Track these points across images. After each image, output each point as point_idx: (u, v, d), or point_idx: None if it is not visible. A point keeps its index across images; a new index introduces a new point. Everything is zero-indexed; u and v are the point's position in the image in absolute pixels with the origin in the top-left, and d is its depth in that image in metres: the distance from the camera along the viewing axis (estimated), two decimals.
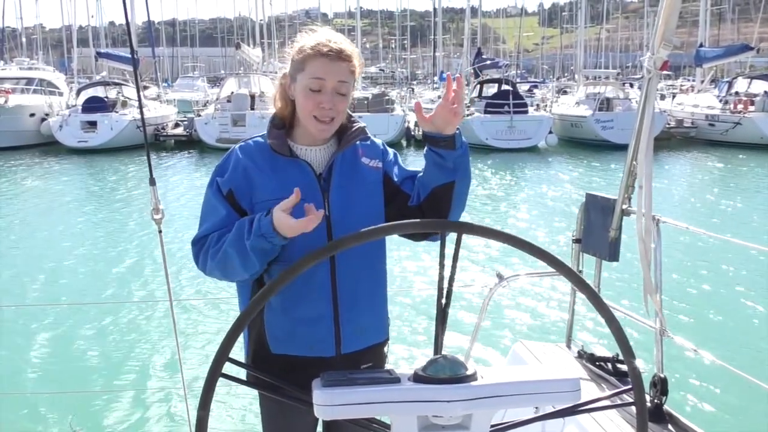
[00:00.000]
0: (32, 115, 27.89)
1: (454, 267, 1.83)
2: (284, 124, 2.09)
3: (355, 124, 2.13)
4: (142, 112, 2.92)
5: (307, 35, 2.04)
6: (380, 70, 66.35)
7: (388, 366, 2.28)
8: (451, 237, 1.86)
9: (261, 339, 2.08)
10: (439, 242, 1.83)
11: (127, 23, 3.01)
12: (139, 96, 2.85)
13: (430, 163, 2.02)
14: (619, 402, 2.02)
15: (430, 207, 2.06)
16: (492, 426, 1.78)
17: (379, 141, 2.22)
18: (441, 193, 2.03)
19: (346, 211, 2.03)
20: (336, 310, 2.05)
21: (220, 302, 8.23)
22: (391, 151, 2.21)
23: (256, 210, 1.99)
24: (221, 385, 1.75)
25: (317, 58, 1.97)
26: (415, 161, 24.70)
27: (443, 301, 1.82)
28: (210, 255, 1.99)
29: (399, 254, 9.61)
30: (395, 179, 2.14)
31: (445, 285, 1.82)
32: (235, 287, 2.19)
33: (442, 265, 1.83)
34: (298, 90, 2.01)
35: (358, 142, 2.12)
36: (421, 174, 2.09)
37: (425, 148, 2.02)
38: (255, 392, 2.14)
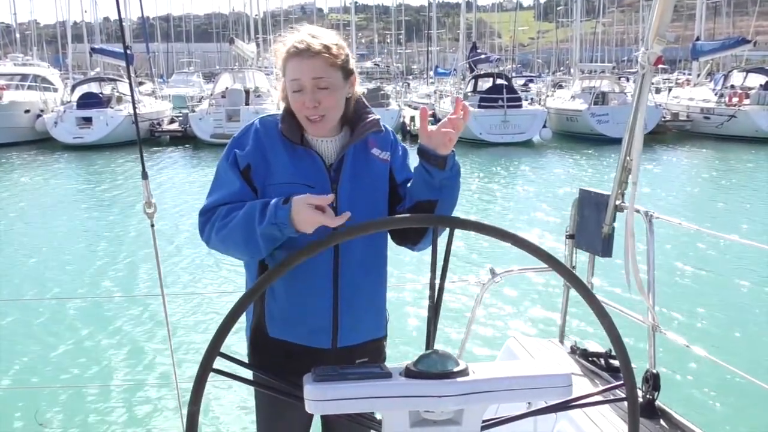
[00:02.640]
0: (27, 111, 27.74)
1: (446, 262, 1.83)
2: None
3: (369, 116, 2.13)
4: (134, 106, 2.92)
5: (282, 41, 2.05)
6: (375, 64, 66.16)
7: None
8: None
9: (260, 321, 2.10)
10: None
11: (120, 18, 3.00)
12: (131, 90, 2.83)
13: (418, 177, 2.02)
14: (611, 397, 2.03)
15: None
16: (484, 421, 1.78)
17: (391, 129, 2.22)
18: (423, 208, 2.04)
19: (353, 204, 2.02)
20: (336, 300, 2.06)
21: (212, 296, 8.24)
22: (401, 145, 2.21)
23: (266, 192, 2.01)
24: (217, 379, 1.75)
25: (290, 59, 2.00)
26: (411, 156, 24.62)
27: (435, 296, 1.82)
28: (215, 229, 1.97)
29: (391, 248, 9.60)
30: (397, 177, 2.15)
31: (437, 280, 1.82)
32: (244, 270, 2.21)
33: (434, 261, 1.83)
34: (288, 92, 2.05)
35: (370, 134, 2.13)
36: (410, 184, 2.09)
37: (418, 160, 2.02)
38: (250, 386, 2.14)
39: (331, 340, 2.07)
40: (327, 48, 1.99)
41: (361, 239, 1.99)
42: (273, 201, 1.87)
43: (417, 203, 2.04)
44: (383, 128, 2.15)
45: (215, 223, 1.98)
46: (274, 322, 2.08)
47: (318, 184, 2.01)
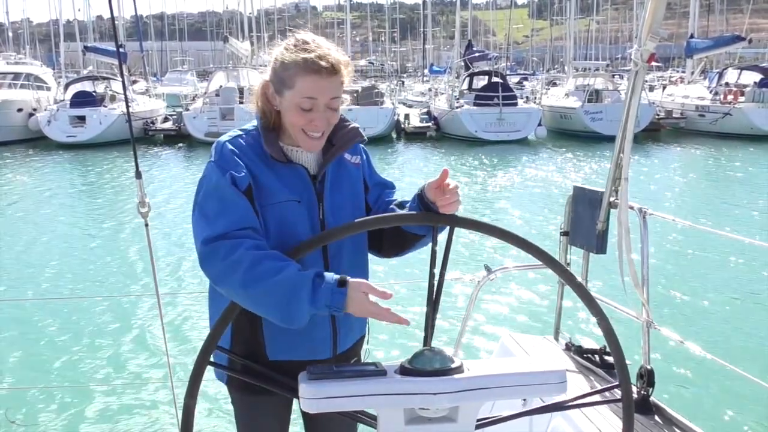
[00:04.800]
0: (20, 110, 27.64)
1: (445, 259, 1.83)
2: (274, 126, 1.98)
3: (348, 125, 2.05)
4: (127, 105, 2.91)
5: (288, 45, 1.91)
6: (370, 63, 66.16)
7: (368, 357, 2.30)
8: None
9: (257, 348, 2.01)
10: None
11: (112, 16, 2.99)
12: (124, 88, 2.82)
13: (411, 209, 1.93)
14: (606, 397, 2.03)
15: (393, 238, 2.05)
16: (479, 420, 1.78)
17: None
18: (408, 235, 2.00)
19: (338, 213, 2.00)
20: None
21: (207, 296, 8.21)
22: (364, 149, 2.17)
23: (264, 213, 1.90)
24: (208, 379, 1.75)
25: (308, 75, 1.85)
26: (405, 153, 24.69)
27: (434, 293, 1.83)
28: (241, 280, 1.72)
29: None
30: (369, 181, 2.13)
31: (436, 278, 1.82)
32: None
33: (433, 257, 1.83)
34: (285, 105, 1.91)
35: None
36: (406, 209, 2.00)
37: (416, 195, 1.88)
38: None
39: (332, 348, 2.05)
40: (345, 66, 1.90)
41: (348, 244, 1.99)
42: (328, 280, 1.70)
43: (406, 231, 2.00)
44: (365, 138, 2.10)
45: (238, 267, 1.73)
46: (275, 345, 2.00)
47: (304, 197, 1.95)
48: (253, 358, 1.99)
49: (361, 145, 2.14)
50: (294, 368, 1.90)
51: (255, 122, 2.01)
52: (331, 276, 1.71)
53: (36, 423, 5.61)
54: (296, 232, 1.91)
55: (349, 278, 1.71)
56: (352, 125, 2.06)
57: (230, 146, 1.93)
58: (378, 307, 1.70)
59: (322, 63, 1.83)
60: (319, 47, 1.87)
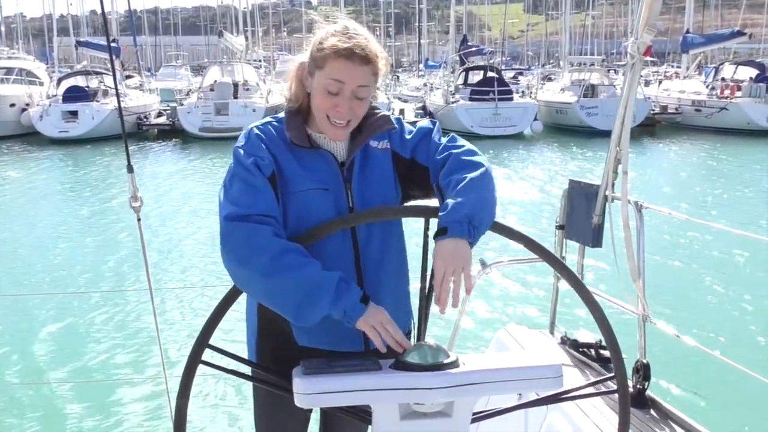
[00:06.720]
0: (12, 105, 27.50)
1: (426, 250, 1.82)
2: (300, 110, 1.98)
3: (378, 112, 2.01)
4: (118, 99, 2.88)
5: (328, 28, 1.91)
6: None
7: None
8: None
9: (286, 330, 1.97)
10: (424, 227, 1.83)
11: (103, 10, 2.95)
12: (115, 82, 2.79)
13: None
14: (602, 390, 2.02)
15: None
16: (475, 413, 1.77)
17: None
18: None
19: (366, 200, 1.96)
20: None
21: (200, 290, 8.20)
22: (400, 119, 2.07)
23: (285, 201, 1.90)
24: (206, 372, 1.73)
25: (338, 59, 1.85)
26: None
27: (426, 287, 1.81)
28: (264, 267, 1.72)
29: None
30: (405, 154, 2.03)
31: (429, 271, 1.81)
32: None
33: (425, 251, 1.81)
34: (314, 87, 1.91)
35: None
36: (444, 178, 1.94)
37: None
38: (248, 383, 2.10)
39: (363, 343, 1.96)
40: (378, 57, 1.90)
41: (377, 231, 1.95)
42: (354, 288, 1.76)
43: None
44: (396, 125, 2.03)
45: (263, 253, 1.74)
46: (302, 331, 1.95)
47: (332, 185, 1.93)
48: (284, 343, 1.98)
49: (392, 121, 2.06)
50: (324, 357, 1.88)
51: None
52: (356, 286, 1.77)
53: (29, 419, 5.58)
54: (319, 220, 1.87)
55: (371, 302, 1.77)
56: (381, 113, 2.03)
57: (257, 131, 1.95)
58: (378, 337, 1.74)
59: (357, 51, 1.85)
60: (359, 35, 1.88)
